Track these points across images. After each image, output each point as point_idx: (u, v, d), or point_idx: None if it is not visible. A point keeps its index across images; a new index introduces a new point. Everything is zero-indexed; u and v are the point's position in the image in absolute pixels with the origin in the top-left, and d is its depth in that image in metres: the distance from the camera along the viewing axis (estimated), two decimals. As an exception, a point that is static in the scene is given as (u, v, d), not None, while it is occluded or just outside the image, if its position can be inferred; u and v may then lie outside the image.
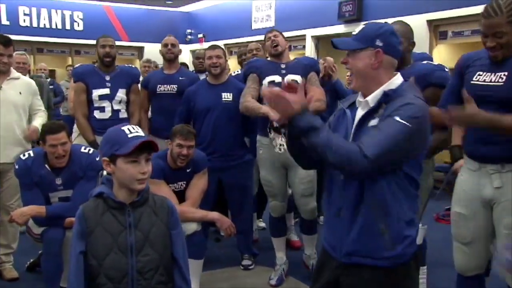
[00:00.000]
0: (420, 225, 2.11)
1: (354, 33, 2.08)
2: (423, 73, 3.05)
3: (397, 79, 2.06)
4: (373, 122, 1.98)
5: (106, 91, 4.33)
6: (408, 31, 3.14)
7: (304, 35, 9.94)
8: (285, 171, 3.93)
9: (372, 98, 2.02)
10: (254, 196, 4.66)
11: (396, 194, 1.96)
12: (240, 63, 5.17)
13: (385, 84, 2.02)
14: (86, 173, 3.47)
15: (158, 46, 4.95)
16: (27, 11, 12.47)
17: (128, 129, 1.92)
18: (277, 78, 3.85)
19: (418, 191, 2.08)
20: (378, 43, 2.01)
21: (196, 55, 6.12)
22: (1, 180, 3.97)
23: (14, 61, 4.31)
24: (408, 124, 1.87)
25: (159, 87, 4.59)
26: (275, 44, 3.90)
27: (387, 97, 1.98)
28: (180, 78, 4.61)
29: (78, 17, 13.05)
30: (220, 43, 11.56)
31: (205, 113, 4.13)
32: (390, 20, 2.89)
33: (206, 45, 12.03)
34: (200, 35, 13.49)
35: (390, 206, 1.96)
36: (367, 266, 1.98)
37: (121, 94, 4.38)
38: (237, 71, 4.78)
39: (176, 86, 4.55)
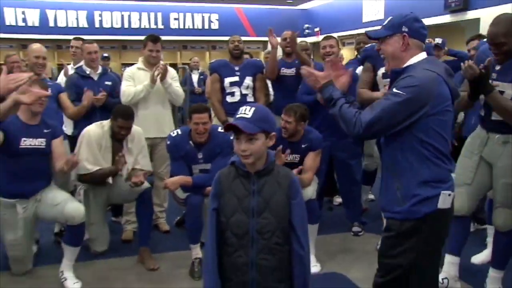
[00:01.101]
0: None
1: (383, 24, 2.14)
2: None
3: (418, 57, 2.08)
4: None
5: (235, 78, 4.42)
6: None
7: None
8: None
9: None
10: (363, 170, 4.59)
11: (408, 157, 2.02)
12: (357, 49, 5.15)
13: (408, 62, 2.07)
14: (222, 150, 3.56)
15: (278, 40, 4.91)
16: (176, 16, 13.06)
17: (242, 109, 1.87)
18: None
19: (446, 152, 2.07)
20: (404, 29, 2.05)
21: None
22: (154, 151, 4.20)
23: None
24: (401, 92, 1.95)
25: (282, 69, 4.59)
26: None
27: (396, 74, 2.07)
28: (296, 61, 4.56)
29: (214, 18, 13.41)
30: (335, 35, 11.33)
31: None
32: (497, 8, 2.66)
33: (321, 37, 11.89)
34: (316, 29, 13.30)
35: (402, 168, 2.04)
36: (388, 218, 2.14)
37: (248, 81, 4.44)
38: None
39: (294, 69, 4.51)
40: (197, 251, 3.50)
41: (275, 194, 1.87)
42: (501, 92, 2.76)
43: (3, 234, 3.35)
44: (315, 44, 5.97)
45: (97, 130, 3.67)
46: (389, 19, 2.13)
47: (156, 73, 4.05)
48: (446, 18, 8.46)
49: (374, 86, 3.80)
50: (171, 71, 4.30)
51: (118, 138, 3.66)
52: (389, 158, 2.10)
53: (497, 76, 2.81)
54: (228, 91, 4.41)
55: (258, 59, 5.16)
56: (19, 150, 3.24)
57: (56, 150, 3.44)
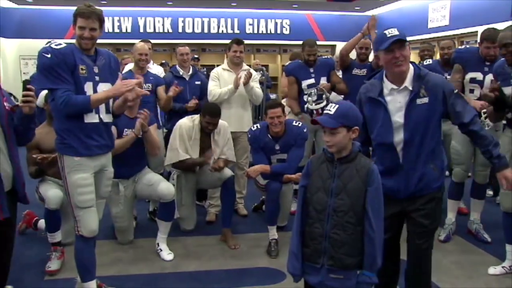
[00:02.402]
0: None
1: (394, 33, 2.27)
2: None
3: (410, 65, 2.34)
4: (422, 100, 2.30)
5: (312, 80, 4.48)
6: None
7: (476, 32, 9.10)
8: (473, 146, 3.75)
9: (409, 83, 2.32)
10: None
11: (438, 141, 2.41)
12: (421, 56, 5.06)
13: (410, 70, 2.33)
14: (297, 141, 3.73)
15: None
16: (251, 22, 13.35)
17: (329, 106, 2.11)
18: (478, 76, 3.69)
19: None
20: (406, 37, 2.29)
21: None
22: (235, 144, 4.32)
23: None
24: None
25: (354, 70, 4.63)
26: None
27: (422, 78, 2.31)
28: (369, 63, 4.61)
29: (286, 23, 13.55)
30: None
31: None
32: None
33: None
34: (382, 34, 13.11)
35: (437, 153, 2.41)
36: (428, 194, 2.40)
37: (323, 81, 4.48)
38: (429, 61, 4.56)
39: (365, 70, 4.56)
40: (273, 232, 3.69)
41: (352, 179, 2.03)
42: None
43: (110, 208, 3.72)
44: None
45: (188, 123, 3.95)
46: (397, 32, 2.29)
47: (241, 80, 4.24)
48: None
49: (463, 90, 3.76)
50: (253, 73, 4.49)
51: (206, 131, 3.92)
52: (428, 147, 2.34)
53: None
54: (306, 92, 4.46)
55: (329, 56, 5.10)
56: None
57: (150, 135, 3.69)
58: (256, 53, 13.83)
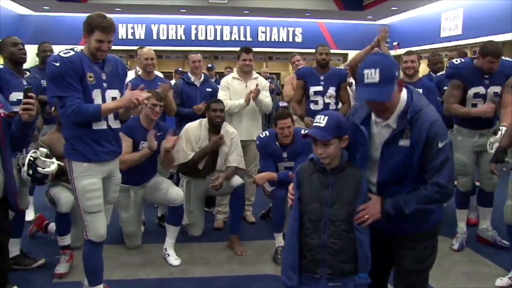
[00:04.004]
0: None
1: (373, 80, 1.82)
2: None
3: (404, 94, 1.96)
4: (404, 142, 1.93)
5: (319, 88, 4.48)
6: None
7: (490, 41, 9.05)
8: (476, 155, 3.84)
9: (393, 121, 1.95)
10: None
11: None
12: (429, 66, 5.06)
13: (399, 104, 1.94)
14: (304, 150, 3.70)
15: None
16: (263, 30, 13.43)
17: (317, 118, 2.04)
18: (481, 90, 3.67)
19: None
20: (397, 74, 1.88)
21: None
22: (244, 152, 4.30)
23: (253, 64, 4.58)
24: (446, 141, 1.92)
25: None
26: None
27: (409, 119, 1.91)
28: None
29: (298, 32, 13.60)
30: (412, 49, 11.11)
31: None
32: None
33: (399, 51, 11.68)
34: (395, 43, 13.06)
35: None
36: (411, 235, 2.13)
37: (331, 90, 4.48)
38: (442, 73, 4.55)
39: None
40: (280, 240, 3.68)
41: (346, 189, 2.02)
42: None
43: (119, 213, 3.76)
44: (394, 58, 5.92)
45: (194, 124, 4.01)
46: (378, 71, 1.82)
47: (251, 96, 4.27)
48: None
49: (462, 102, 3.75)
50: (263, 82, 4.53)
51: (215, 124, 3.92)
52: (410, 189, 1.99)
53: None
54: (312, 99, 4.51)
55: (341, 67, 5.05)
56: (138, 151, 3.65)
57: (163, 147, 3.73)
58: (268, 61, 13.89)
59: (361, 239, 2.01)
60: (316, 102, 4.53)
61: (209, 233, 4.25)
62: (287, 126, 3.65)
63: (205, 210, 4.77)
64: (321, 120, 2.01)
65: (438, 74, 4.87)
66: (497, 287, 3.21)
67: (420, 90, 4.07)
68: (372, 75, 1.82)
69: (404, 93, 1.96)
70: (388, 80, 1.82)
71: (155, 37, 12.89)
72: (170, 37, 12.95)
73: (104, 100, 2.67)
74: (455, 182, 3.96)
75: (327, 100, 4.52)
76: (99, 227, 2.71)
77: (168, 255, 3.62)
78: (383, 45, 4.48)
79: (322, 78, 4.51)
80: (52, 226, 3.79)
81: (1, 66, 3.23)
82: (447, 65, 3.91)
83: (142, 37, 12.80)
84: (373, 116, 2.02)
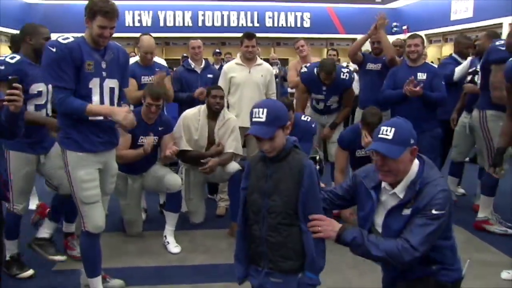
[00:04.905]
0: None
1: (386, 136, 1.85)
2: None
3: (415, 165, 1.93)
4: (406, 212, 1.88)
5: (321, 96, 4.41)
6: None
7: (501, 23, 8.82)
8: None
9: (400, 190, 1.91)
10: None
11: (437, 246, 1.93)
12: (456, 48, 4.82)
13: (409, 174, 1.90)
14: (304, 135, 3.65)
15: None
16: (270, 15, 13.28)
17: (255, 112, 1.85)
18: None
19: None
20: (412, 141, 1.88)
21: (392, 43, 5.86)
22: (247, 139, 4.27)
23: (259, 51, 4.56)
24: (442, 212, 1.82)
25: (368, 65, 4.58)
26: None
27: (417, 191, 1.86)
28: (383, 58, 4.53)
29: (307, 17, 13.42)
30: (422, 33, 10.91)
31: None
32: None
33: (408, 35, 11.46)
34: (404, 27, 12.84)
35: (433, 255, 1.95)
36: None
37: (333, 98, 4.43)
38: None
39: (380, 65, 4.48)
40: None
41: (284, 179, 1.89)
42: None
43: (118, 200, 3.73)
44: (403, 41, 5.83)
45: (193, 110, 3.93)
46: (393, 132, 1.85)
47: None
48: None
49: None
50: (269, 70, 4.51)
51: (214, 110, 3.84)
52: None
53: None
54: (314, 100, 4.51)
55: (346, 77, 4.65)
56: (137, 146, 3.59)
57: (164, 141, 3.71)
58: (276, 47, 13.75)
59: (306, 237, 1.88)
60: (318, 103, 4.53)
61: (211, 220, 4.21)
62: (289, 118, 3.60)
63: (208, 197, 4.76)
64: (260, 114, 1.83)
65: (468, 58, 4.62)
66: (503, 279, 3.10)
67: (425, 75, 4.00)
68: (387, 132, 1.86)
69: (416, 164, 1.93)
70: (401, 142, 1.85)
71: (162, 24, 12.82)
72: (177, 24, 12.87)
73: (102, 89, 2.57)
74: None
75: (328, 104, 4.48)
76: (97, 218, 2.63)
77: (168, 242, 3.59)
78: (382, 33, 4.38)
79: (324, 88, 4.35)
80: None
81: (18, 57, 2.95)
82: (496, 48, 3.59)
83: (149, 24, 12.74)
84: (383, 183, 1.98)
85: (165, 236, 3.62)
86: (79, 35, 2.56)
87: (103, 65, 2.58)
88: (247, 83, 4.33)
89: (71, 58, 2.44)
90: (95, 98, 2.57)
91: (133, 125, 2.63)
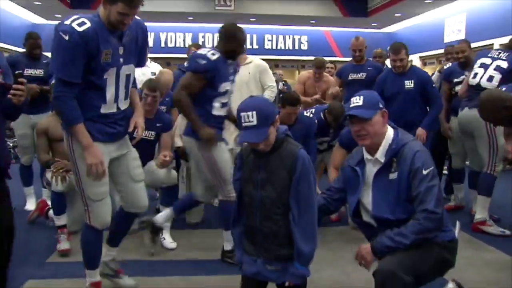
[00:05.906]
0: None
1: (357, 104, 2.07)
2: None
3: (390, 131, 2.11)
4: (392, 176, 2.03)
5: (327, 138, 4.34)
6: None
7: (492, 44, 8.98)
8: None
9: (381, 155, 2.08)
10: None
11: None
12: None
13: (385, 139, 2.08)
14: (307, 131, 3.81)
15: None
16: (269, 38, 13.50)
17: (245, 117, 1.85)
18: None
19: None
20: (380, 105, 2.08)
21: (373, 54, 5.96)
22: None
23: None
24: (430, 169, 1.98)
25: (351, 75, 4.67)
26: None
27: (395, 150, 2.04)
28: (368, 68, 4.62)
29: (304, 40, 13.63)
30: (416, 55, 11.19)
31: (393, 98, 4.10)
32: None
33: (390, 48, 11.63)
34: (400, 51, 13.06)
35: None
36: None
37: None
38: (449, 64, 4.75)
39: (364, 74, 4.57)
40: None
41: (277, 170, 1.90)
42: None
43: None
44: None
45: None
46: (361, 99, 2.07)
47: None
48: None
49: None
50: (261, 65, 4.46)
51: None
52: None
53: None
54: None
55: (311, 116, 4.20)
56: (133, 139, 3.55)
57: (163, 140, 3.71)
58: (275, 69, 13.91)
59: (293, 229, 1.88)
60: (321, 143, 4.40)
61: (208, 220, 4.22)
62: (294, 112, 3.72)
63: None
64: (250, 118, 1.82)
65: (445, 67, 4.86)
66: (500, 272, 3.09)
67: (412, 83, 4.09)
68: (357, 100, 2.08)
69: (390, 131, 2.12)
70: (371, 106, 2.06)
71: (163, 44, 13.01)
72: (177, 45, 13.06)
73: (118, 78, 2.36)
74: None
75: (332, 143, 4.36)
76: (104, 214, 2.46)
77: (164, 238, 3.58)
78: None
79: (331, 130, 4.28)
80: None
81: (218, 55, 2.98)
82: None
83: (151, 44, 12.91)
84: (365, 154, 2.13)
85: (161, 232, 3.60)
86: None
87: (121, 51, 2.34)
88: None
89: (85, 50, 2.18)
90: (111, 89, 2.36)
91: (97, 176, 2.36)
